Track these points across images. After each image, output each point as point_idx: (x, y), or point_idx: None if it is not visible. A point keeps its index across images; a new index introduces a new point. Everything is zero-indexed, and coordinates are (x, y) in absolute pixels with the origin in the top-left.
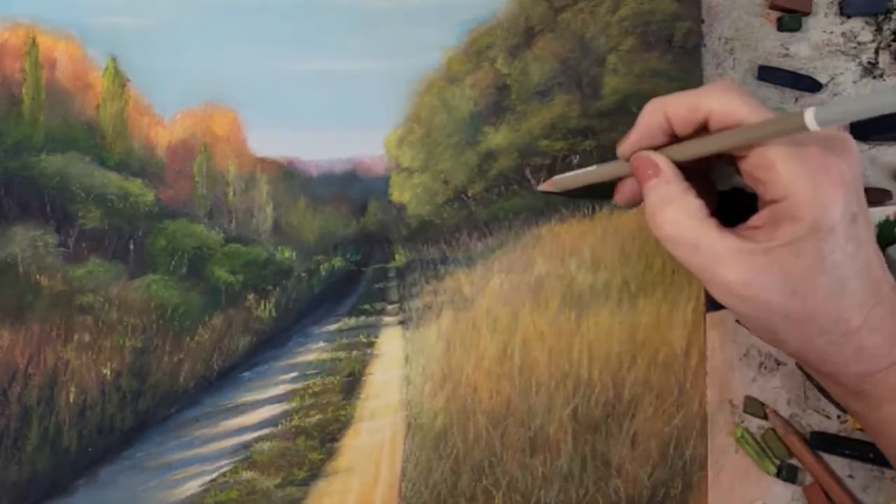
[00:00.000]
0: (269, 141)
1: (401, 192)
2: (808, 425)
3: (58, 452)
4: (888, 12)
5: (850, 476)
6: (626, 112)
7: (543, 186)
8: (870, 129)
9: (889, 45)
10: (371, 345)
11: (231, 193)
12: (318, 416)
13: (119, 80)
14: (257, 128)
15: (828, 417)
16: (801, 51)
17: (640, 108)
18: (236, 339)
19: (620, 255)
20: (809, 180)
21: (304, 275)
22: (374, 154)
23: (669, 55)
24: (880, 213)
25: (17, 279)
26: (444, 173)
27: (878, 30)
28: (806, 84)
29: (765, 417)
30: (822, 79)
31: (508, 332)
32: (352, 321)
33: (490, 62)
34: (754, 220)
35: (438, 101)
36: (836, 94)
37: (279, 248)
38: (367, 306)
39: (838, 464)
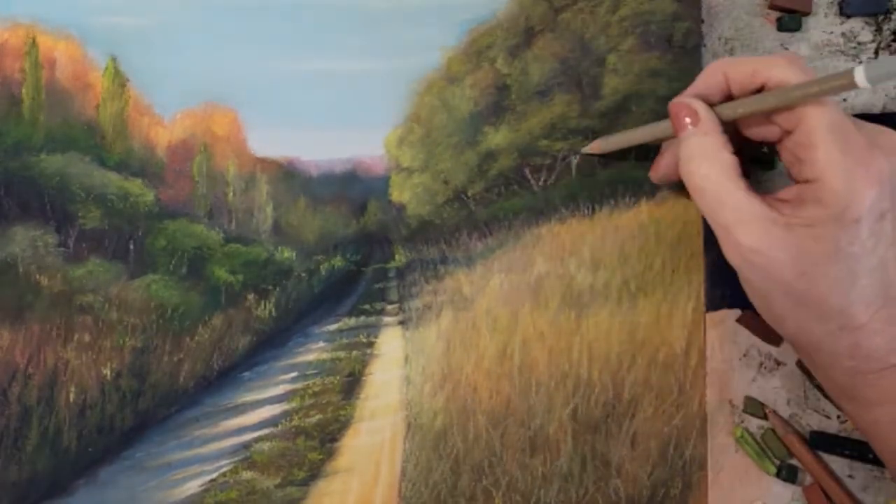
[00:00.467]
0: (269, 141)
1: (401, 192)
2: (807, 425)
3: (58, 452)
4: (888, 12)
5: (850, 476)
6: (626, 112)
7: (589, 148)
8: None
9: (889, 46)
10: (371, 345)
11: (231, 193)
12: (317, 416)
13: (119, 80)
14: (257, 128)
15: (828, 417)
16: (800, 51)
17: (640, 108)
18: (236, 339)
19: (620, 255)
20: (846, 170)
21: (304, 275)
22: (374, 154)
23: (669, 55)
24: None
25: (17, 279)
26: (444, 173)
27: (878, 30)
28: None
29: (765, 417)
30: None
31: (508, 332)
32: (352, 321)
33: (490, 62)
34: (783, 193)
35: (438, 101)
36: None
37: (279, 248)
38: (367, 306)
39: (838, 464)
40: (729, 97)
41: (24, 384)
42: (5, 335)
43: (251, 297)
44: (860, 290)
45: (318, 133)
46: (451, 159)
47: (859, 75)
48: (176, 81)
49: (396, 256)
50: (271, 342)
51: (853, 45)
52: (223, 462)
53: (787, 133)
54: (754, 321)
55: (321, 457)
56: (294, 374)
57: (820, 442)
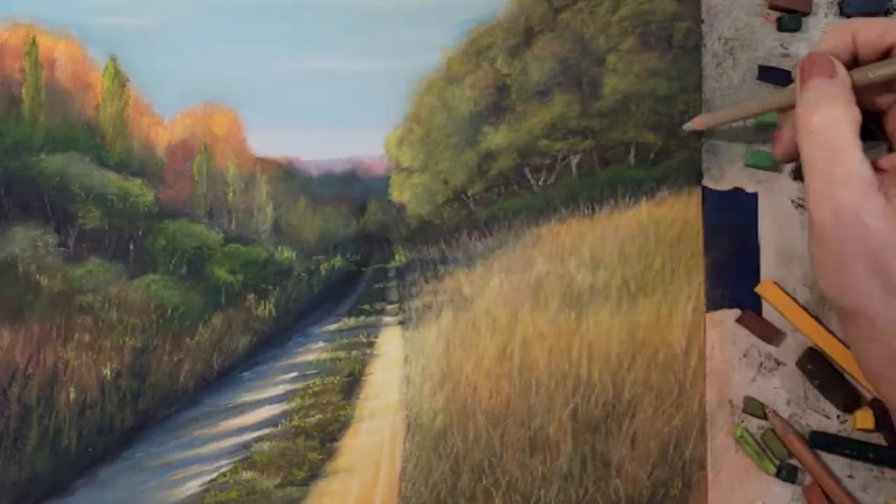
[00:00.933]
0: (269, 141)
1: (400, 192)
2: (807, 425)
3: (57, 452)
4: (888, 12)
5: (850, 476)
6: (625, 112)
7: (693, 124)
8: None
9: None
10: (371, 345)
11: (231, 193)
12: (317, 416)
13: (119, 80)
14: (257, 128)
15: (827, 417)
16: (800, 51)
17: (639, 107)
18: (236, 338)
19: (620, 255)
20: None
21: (304, 275)
22: (374, 154)
23: (669, 55)
24: None
25: (17, 279)
26: (443, 173)
27: None
28: None
29: (764, 417)
30: None
31: (508, 331)
32: (351, 321)
33: (490, 62)
34: (884, 161)
35: (438, 101)
36: None
37: (279, 248)
38: (366, 306)
39: (838, 464)
40: (854, 60)
41: (24, 384)
42: (5, 335)
43: (251, 297)
44: None
45: (318, 133)
46: (450, 159)
47: None
48: (176, 81)
49: (396, 256)
50: (271, 342)
51: None
52: (223, 462)
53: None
54: (754, 321)
55: (321, 457)
56: (294, 374)
57: (820, 441)
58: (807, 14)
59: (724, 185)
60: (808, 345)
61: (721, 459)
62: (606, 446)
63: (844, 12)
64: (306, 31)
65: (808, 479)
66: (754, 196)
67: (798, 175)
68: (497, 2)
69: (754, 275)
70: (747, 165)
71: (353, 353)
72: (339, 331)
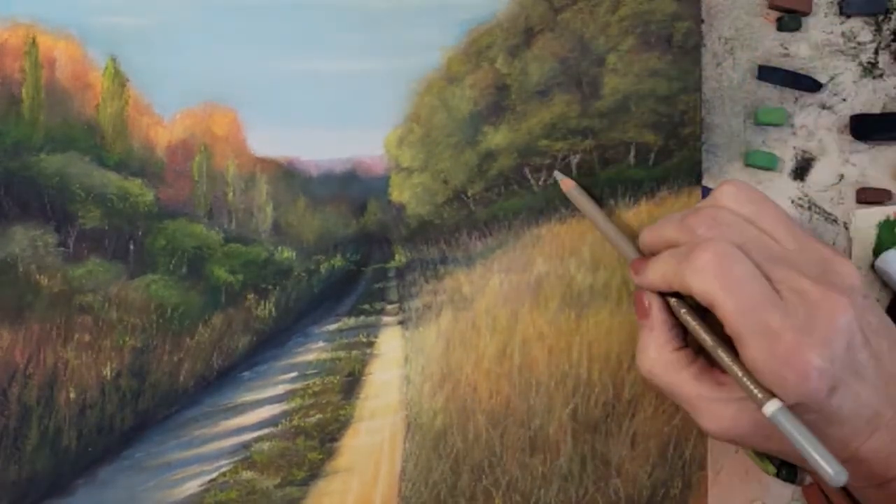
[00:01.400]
0: (269, 141)
1: (400, 192)
2: None
3: (57, 452)
4: (888, 12)
5: None
6: (625, 112)
7: (561, 180)
8: (870, 129)
9: (889, 45)
10: (371, 345)
11: (231, 193)
12: (317, 416)
13: (119, 79)
14: (257, 128)
15: None
16: (800, 51)
17: (639, 107)
18: (236, 338)
19: (620, 255)
20: (773, 371)
21: (303, 275)
22: (373, 154)
23: (669, 55)
24: (880, 212)
25: (16, 279)
26: (443, 173)
27: (878, 30)
28: (806, 84)
29: None
30: (822, 79)
31: (508, 331)
32: (351, 321)
33: (490, 62)
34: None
35: (438, 101)
36: (835, 94)
37: (279, 247)
38: (366, 306)
39: None
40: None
41: (23, 384)
42: (5, 335)
43: (251, 296)
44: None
45: (318, 133)
46: (450, 159)
47: (770, 408)
48: (176, 81)
49: (396, 256)
50: (271, 342)
51: (853, 44)
52: (223, 462)
53: None
54: None
55: (321, 457)
56: (294, 374)
57: None
58: (807, 14)
59: None
60: None
61: (721, 459)
62: (606, 446)
63: (844, 12)
64: (306, 31)
65: (807, 480)
66: None
67: (798, 175)
68: (497, 2)
69: None
70: (747, 165)
71: (353, 352)
72: (339, 331)
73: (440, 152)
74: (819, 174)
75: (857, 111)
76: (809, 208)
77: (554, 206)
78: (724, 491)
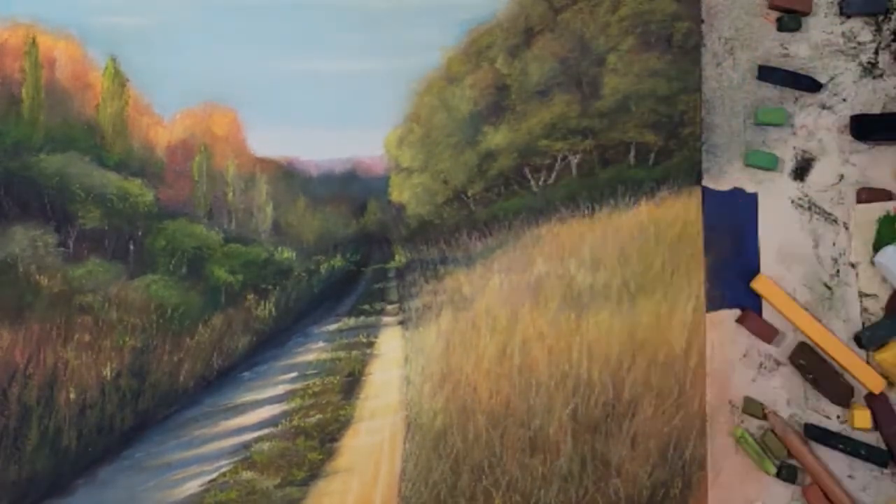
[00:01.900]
0: (269, 141)
1: (400, 192)
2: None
3: (57, 452)
4: (888, 12)
5: (850, 476)
6: (625, 112)
7: None
8: (870, 129)
9: (889, 45)
10: (371, 345)
11: (231, 193)
12: (317, 416)
13: (119, 80)
14: (257, 128)
15: (827, 417)
16: (800, 51)
17: (639, 107)
18: (236, 338)
19: (620, 256)
20: None
21: (303, 275)
22: (373, 154)
23: (669, 55)
24: (880, 208)
25: (17, 279)
26: (443, 173)
27: (878, 30)
28: (806, 84)
29: (764, 418)
30: (822, 78)
31: (508, 331)
32: (351, 321)
33: (490, 62)
34: None
35: (438, 101)
36: (835, 94)
37: (279, 248)
38: (366, 306)
39: (838, 464)
40: None
41: (24, 384)
42: (5, 335)
43: (251, 297)
44: None
45: (318, 133)
46: (450, 159)
47: None
48: (176, 81)
49: (396, 256)
50: (271, 342)
51: (853, 44)
52: (223, 462)
53: None
54: (754, 321)
55: (321, 457)
56: (294, 374)
57: (814, 434)
58: (807, 14)
59: (724, 185)
60: (800, 340)
61: (721, 460)
62: (606, 446)
63: (844, 12)
64: (306, 31)
65: (807, 480)
66: (754, 196)
67: (798, 175)
68: (497, 2)
69: (754, 275)
70: (747, 165)
71: (353, 353)
72: (339, 331)
73: (440, 152)
74: (819, 174)
75: (857, 111)
76: (809, 208)
77: (554, 206)
78: (724, 491)
